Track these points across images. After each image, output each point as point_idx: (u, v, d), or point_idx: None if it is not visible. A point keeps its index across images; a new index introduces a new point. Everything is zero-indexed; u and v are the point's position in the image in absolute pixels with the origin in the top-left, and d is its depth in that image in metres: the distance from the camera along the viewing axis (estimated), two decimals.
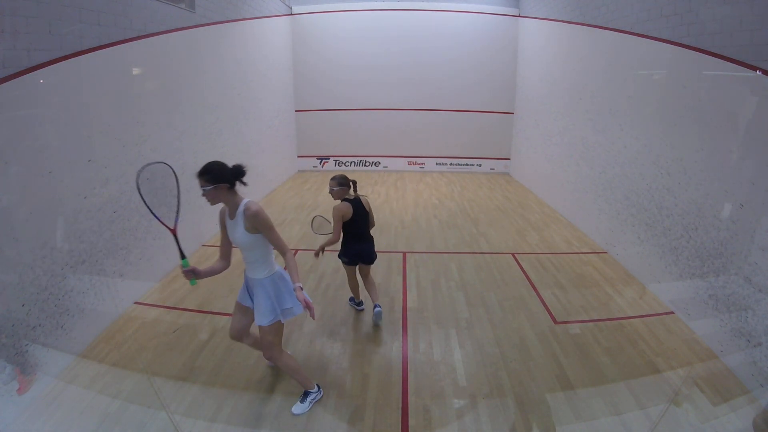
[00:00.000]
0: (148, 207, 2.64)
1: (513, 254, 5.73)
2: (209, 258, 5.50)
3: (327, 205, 8.14)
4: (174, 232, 2.75)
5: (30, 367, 2.99)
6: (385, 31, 10.66)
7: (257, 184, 8.34)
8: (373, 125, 11.12)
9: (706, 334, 3.73)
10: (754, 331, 3.21)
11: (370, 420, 2.86)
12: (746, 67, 3.47)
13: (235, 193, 2.64)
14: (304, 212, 7.66)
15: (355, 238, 3.83)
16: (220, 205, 2.69)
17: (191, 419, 2.84)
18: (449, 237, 6.41)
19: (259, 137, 8.35)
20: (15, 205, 3.03)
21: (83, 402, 3.00)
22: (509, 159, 11.19)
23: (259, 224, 2.56)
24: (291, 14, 10.50)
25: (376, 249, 4.01)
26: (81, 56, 3.60)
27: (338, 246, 3.89)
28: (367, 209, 3.86)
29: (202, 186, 2.50)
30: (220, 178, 2.52)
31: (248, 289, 2.82)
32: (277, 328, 2.75)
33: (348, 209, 3.71)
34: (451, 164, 11.43)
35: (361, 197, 3.85)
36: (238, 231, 2.59)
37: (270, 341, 2.74)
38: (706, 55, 3.92)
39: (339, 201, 3.79)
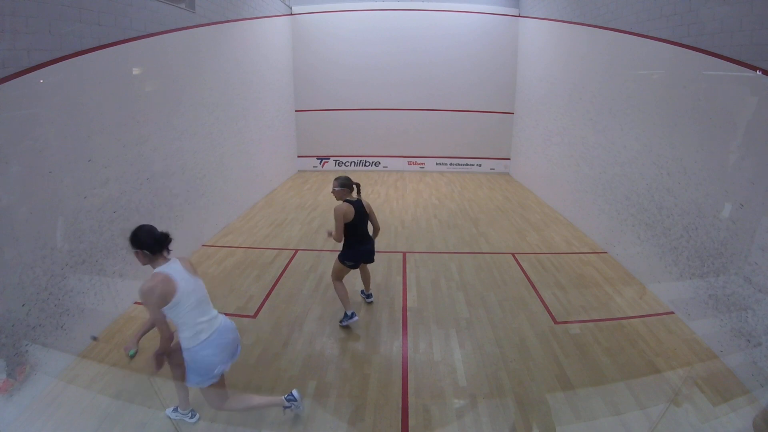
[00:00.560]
0: None
1: (513, 254, 5.73)
2: (210, 257, 5.50)
3: (327, 205, 8.15)
4: None
5: (13, 370, 2.96)
6: (385, 31, 10.66)
7: (257, 184, 8.34)
8: (373, 125, 11.12)
9: (706, 334, 3.73)
10: (754, 331, 3.21)
11: (370, 420, 2.86)
12: (746, 67, 3.47)
13: (154, 258, 2.43)
14: (304, 212, 7.66)
15: (359, 241, 3.89)
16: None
17: (191, 419, 2.84)
18: (449, 237, 6.41)
19: (259, 137, 8.35)
20: (15, 205, 3.03)
21: (83, 402, 3.00)
22: (509, 159, 11.19)
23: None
24: (291, 14, 10.50)
25: (375, 249, 4.11)
26: (81, 56, 3.60)
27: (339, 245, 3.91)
28: (368, 212, 3.91)
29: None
30: (138, 244, 2.41)
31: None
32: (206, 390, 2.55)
33: (349, 209, 3.74)
34: (451, 164, 11.43)
35: (362, 200, 3.89)
36: None
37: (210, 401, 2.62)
38: (706, 55, 3.92)
39: (340, 202, 3.81)
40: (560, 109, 7.70)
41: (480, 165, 11.37)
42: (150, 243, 2.41)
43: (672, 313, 4.19)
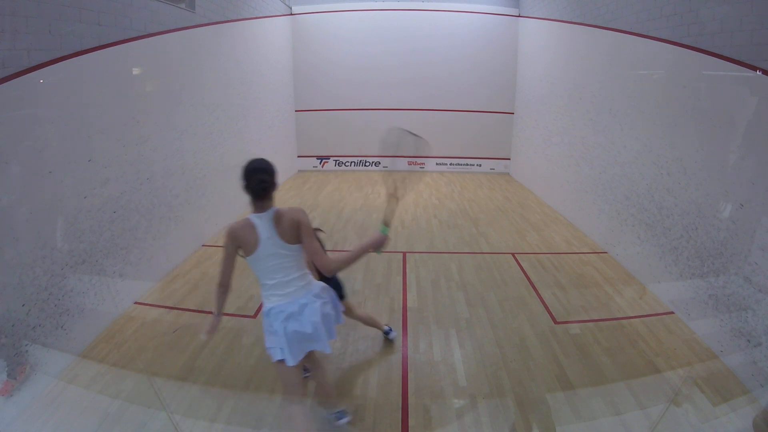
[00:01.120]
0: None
1: (513, 254, 5.73)
2: (210, 257, 5.50)
3: (327, 205, 8.15)
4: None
5: (13, 370, 2.97)
6: (385, 31, 10.65)
7: None
8: (373, 125, 11.10)
9: (706, 334, 3.73)
10: (754, 331, 3.21)
11: (370, 420, 2.86)
12: (746, 67, 3.47)
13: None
14: None
15: None
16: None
17: (191, 419, 2.84)
18: (449, 237, 6.41)
19: (259, 137, 8.35)
20: (15, 205, 3.03)
21: (83, 402, 3.00)
22: (509, 159, 11.19)
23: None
24: (291, 14, 10.49)
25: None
26: (81, 56, 3.60)
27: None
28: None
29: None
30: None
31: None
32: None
33: None
34: (451, 164, 11.42)
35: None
36: None
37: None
38: (706, 55, 3.92)
39: None
40: (560, 109, 7.70)
41: (480, 165, 11.37)
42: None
43: (672, 313, 4.19)
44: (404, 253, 5.71)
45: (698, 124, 4.05)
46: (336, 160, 11.36)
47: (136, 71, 4.54)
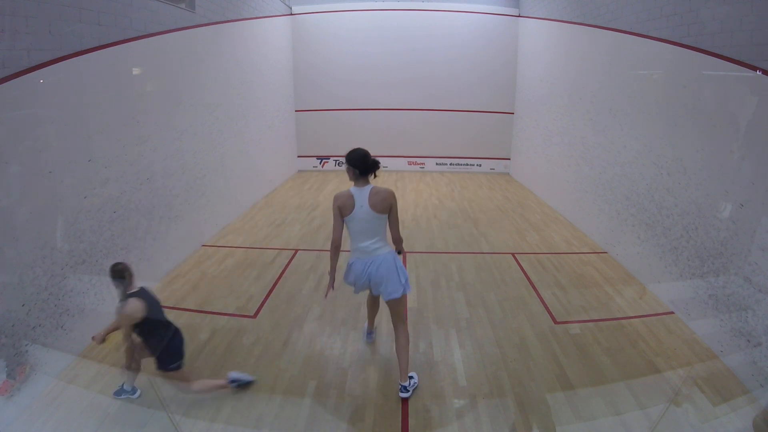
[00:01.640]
0: None
1: (513, 254, 5.73)
2: (210, 257, 5.50)
3: (327, 205, 8.13)
4: None
5: (13, 370, 2.97)
6: (385, 31, 10.65)
7: (257, 184, 8.34)
8: (373, 125, 11.11)
9: (706, 334, 3.73)
10: (754, 331, 3.21)
11: (370, 420, 2.86)
12: (746, 67, 3.46)
13: (358, 178, 2.99)
14: (304, 212, 7.66)
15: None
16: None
17: (191, 419, 2.84)
18: (449, 237, 6.41)
19: (259, 137, 8.35)
20: (15, 205, 3.03)
21: (83, 402, 3.00)
22: (509, 159, 11.19)
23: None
24: (291, 14, 10.49)
25: None
26: (81, 56, 3.60)
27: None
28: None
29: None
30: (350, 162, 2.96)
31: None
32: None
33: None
34: (451, 164, 11.42)
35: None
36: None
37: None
38: (706, 55, 3.92)
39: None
40: (560, 109, 7.70)
41: (480, 165, 11.37)
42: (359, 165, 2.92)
43: (672, 313, 4.19)
44: (404, 253, 5.71)
45: (698, 124, 4.05)
46: (336, 160, 11.36)
47: (136, 71, 4.54)
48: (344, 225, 2.98)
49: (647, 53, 4.97)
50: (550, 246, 6.08)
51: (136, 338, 2.81)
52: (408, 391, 3.04)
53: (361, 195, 2.91)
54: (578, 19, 6.93)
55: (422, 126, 11.20)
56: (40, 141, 3.22)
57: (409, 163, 11.45)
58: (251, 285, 4.78)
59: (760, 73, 3.33)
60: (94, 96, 3.82)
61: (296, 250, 5.79)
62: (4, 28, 2.90)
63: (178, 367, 2.88)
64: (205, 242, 6.00)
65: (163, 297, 4.46)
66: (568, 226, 6.98)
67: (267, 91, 8.91)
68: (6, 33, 2.91)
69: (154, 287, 4.63)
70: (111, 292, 3.94)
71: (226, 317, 4.09)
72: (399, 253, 3.19)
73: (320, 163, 11.43)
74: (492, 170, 11.33)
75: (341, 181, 10.05)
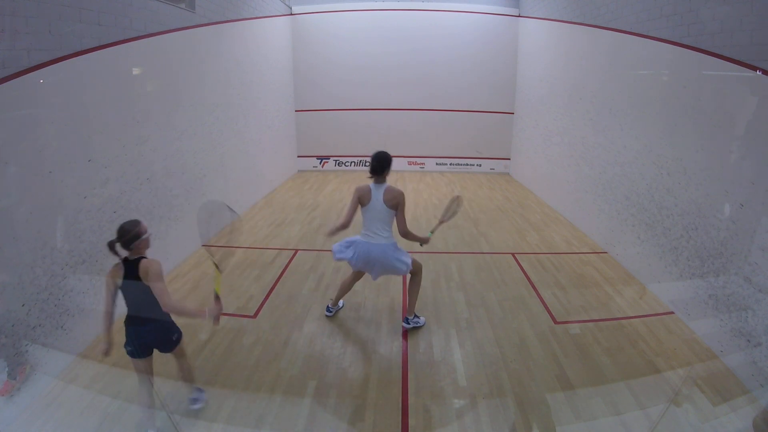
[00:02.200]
0: None
1: (513, 254, 5.73)
2: (209, 257, 5.48)
3: (327, 205, 8.16)
4: None
5: (13, 370, 2.97)
6: (385, 31, 10.65)
7: (257, 184, 8.34)
8: (373, 125, 11.11)
9: (706, 334, 3.73)
10: (754, 331, 3.21)
11: (370, 420, 2.86)
12: (746, 67, 3.46)
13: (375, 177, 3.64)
14: (304, 212, 7.66)
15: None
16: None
17: (191, 419, 2.85)
18: (449, 237, 6.41)
19: (259, 137, 8.35)
20: (15, 205, 3.03)
21: (83, 402, 3.00)
22: (509, 159, 11.19)
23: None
24: (291, 14, 10.49)
25: None
26: (81, 56, 3.60)
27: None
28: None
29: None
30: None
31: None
32: None
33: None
34: (451, 164, 11.42)
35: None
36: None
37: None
38: (706, 55, 3.92)
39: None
40: (560, 109, 7.70)
41: (480, 165, 11.37)
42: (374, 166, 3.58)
43: (672, 313, 4.19)
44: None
45: (698, 124, 4.05)
46: (336, 160, 11.36)
47: (136, 71, 4.54)
48: (356, 211, 3.61)
49: (647, 53, 4.98)
50: (550, 246, 6.08)
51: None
52: (408, 323, 3.83)
53: (378, 191, 3.56)
54: (578, 19, 6.93)
55: (422, 126, 11.19)
56: (40, 141, 3.22)
57: (409, 163, 11.45)
58: (251, 285, 4.78)
59: (760, 73, 3.33)
60: (94, 96, 3.82)
61: (296, 250, 5.79)
62: (4, 28, 2.90)
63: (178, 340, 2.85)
64: (205, 242, 5.99)
65: None
66: (568, 226, 6.98)
67: (267, 91, 8.91)
68: (6, 33, 2.91)
69: None
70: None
71: (226, 317, 4.09)
72: (421, 245, 3.81)
73: (320, 163, 11.43)
74: (492, 170, 11.33)
75: (341, 182, 10.05)
